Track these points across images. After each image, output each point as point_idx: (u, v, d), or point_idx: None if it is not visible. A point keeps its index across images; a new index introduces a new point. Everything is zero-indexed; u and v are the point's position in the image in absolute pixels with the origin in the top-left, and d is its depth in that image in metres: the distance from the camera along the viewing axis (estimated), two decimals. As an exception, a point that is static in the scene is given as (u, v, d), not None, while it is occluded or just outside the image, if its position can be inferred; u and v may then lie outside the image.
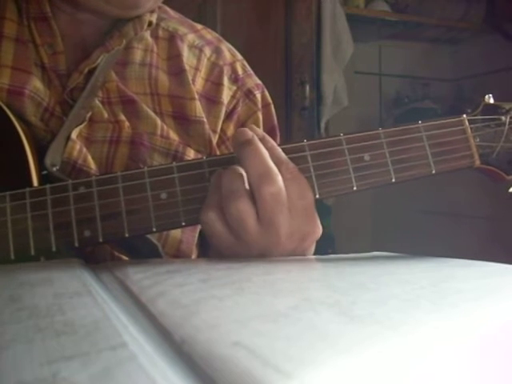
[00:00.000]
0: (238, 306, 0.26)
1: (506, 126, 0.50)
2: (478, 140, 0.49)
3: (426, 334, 0.22)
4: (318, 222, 0.45)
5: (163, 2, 0.65)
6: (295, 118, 1.69)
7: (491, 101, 0.52)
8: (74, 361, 0.19)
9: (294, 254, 0.44)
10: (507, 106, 0.51)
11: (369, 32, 2.07)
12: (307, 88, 1.68)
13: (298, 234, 0.44)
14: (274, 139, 0.67)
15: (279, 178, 0.42)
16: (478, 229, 1.76)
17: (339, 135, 0.47)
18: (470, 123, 0.50)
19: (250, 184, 0.42)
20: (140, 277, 0.33)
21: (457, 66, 2.25)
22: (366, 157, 0.47)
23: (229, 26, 1.57)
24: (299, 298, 0.27)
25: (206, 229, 0.44)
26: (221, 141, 0.64)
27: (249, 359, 0.18)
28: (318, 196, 0.45)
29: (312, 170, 0.46)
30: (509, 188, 0.51)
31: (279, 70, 1.69)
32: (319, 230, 0.45)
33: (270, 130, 0.68)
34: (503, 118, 0.50)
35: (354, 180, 0.46)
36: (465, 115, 0.50)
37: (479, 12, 2.07)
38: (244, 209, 0.41)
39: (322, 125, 1.75)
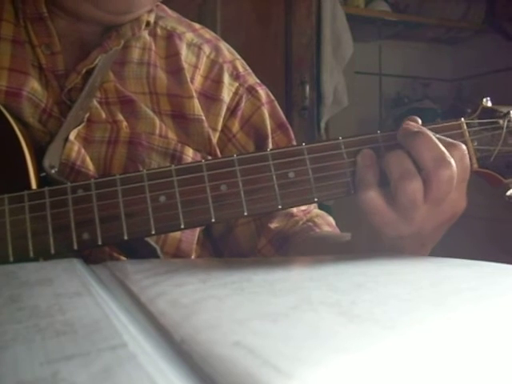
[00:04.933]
0: (237, 306, 0.26)
1: (504, 130, 0.49)
2: (475, 144, 0.49)
3: (425, 333, 0.22)
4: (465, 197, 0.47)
5: (162, 2, 0.65)
6: (295, 118, 1.68)
7: (489, 104, 0.52)
8: (74, 361, 0.19)
9: (443, 228, 0.47)
10: (505, 109, 0.51)
11: (369, 32, 2.07)
12: (307, 88, 1.68)
13: (453, 209, 0.46)
14: (288, 136, 0.67)
15: (453, 160, 0.44)
16: (477, 229, 1.76)
17: (338, 138, 0.47)
18: (467, 127, 0.49)
19: (423, 167, 0.44)
20: (140, 277, 0.33)
21: (457, 66, 2.25)
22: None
23: (229, 27, 1.57)
24: (299, 298, 0.27)
25: (367, 207, 0.45)
26: (226, 138, 0.64)
27: (249, 359, 0.18)
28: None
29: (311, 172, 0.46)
30: (506, 191, 0.50)
31: (279, 69, 1.69)
32: (465, 205, 0.47)
33: (280, 127, 0.67)
34: (501, 121, 0.50)
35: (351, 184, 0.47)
36: (463, 119, 0.50)
37: (479, 12, 2.07)
38: (418, 188, 0.43)
39: (322, 125, 1.75)
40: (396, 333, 0.22)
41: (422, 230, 0.45)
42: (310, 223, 0.64)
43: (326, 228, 0.64)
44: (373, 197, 0.44)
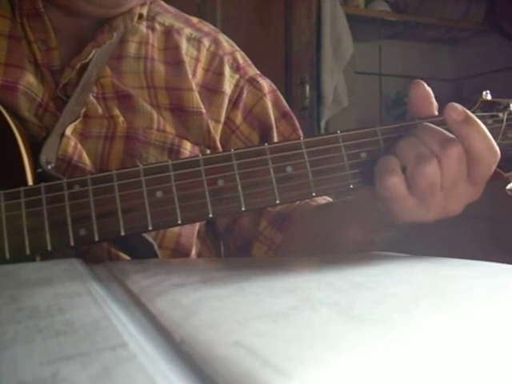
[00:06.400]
0: (238, 306, 0.26)
1: (504, 123, 0.49)
2: None
3: (425, 333, 0.22)
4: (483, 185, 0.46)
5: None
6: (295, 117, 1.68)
7: (489, 97, 0.51)
8: (74, 361, 0.19)
9: (456, 213, 0.46)
10: (505, 102, 0.50)
11: (369, 32, 2.07)
12: (307, 88, 1.68)
13: (466, 194, 0.45)
14: (292, 125, 0.67)
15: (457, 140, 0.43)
16: (477, 229, 1.76)
17: (336, 132, 0.47)
18: None
19: (472, 155, 0.43)
20: (140, 277, 0.33)
21: (457, 65, 2.25)
22: (363, 154, 0.47)
23: (229, 26, 1.57)
24: (299, 298, 0.27)
25: (389, 194, 0.45)
26: (230, 130, 0.64)
27: (249, 359, 0.18)
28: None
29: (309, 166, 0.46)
30: (506, 185, 0.50)
31: (279, 70, 1.69)
32: (481, 191, 0.47)
33: (284, 115, 0.67)
34: (501, 114, 0.49)
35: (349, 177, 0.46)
36: None
37: (479, 12, 2.07)
38: (436, 169, 0.43)
39: (322, 125, 1.75)
40: (396, 333, 0.22)
41: (438, 217, 0.46)
42: (307, 199, 0.64)
43: (323, 201, 0.65)
44: (397, 182, 0.44)
